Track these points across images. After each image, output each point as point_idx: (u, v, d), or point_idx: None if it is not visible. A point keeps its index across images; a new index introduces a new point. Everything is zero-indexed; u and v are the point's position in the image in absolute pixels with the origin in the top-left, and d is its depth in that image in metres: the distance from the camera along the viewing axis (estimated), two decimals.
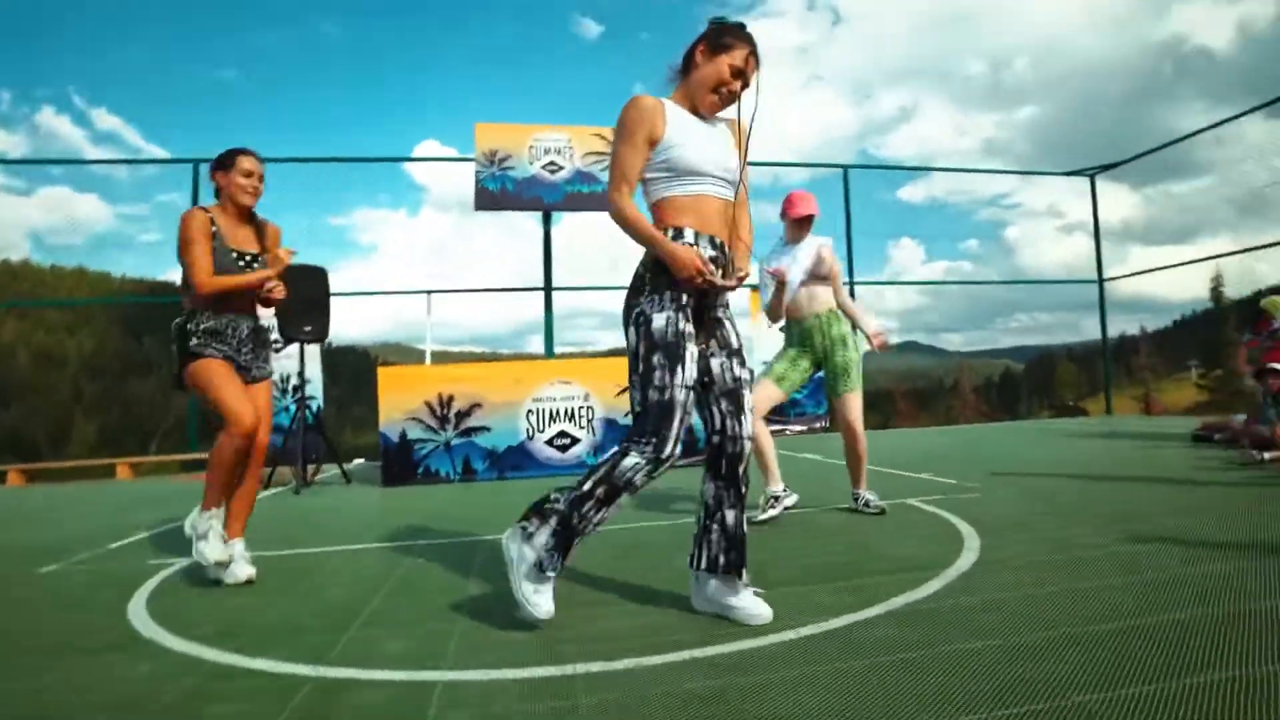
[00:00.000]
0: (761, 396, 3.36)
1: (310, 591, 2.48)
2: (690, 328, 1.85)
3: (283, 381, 9.04)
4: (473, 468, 5.82)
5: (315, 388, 8.99)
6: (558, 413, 5.92)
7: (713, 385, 1.93)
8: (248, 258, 2.69)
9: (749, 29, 1.94)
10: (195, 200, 9.33)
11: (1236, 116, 10.24)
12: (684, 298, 1.86)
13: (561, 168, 9.18)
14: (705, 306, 1.95)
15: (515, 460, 5.85)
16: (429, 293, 9.56)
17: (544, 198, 9.07)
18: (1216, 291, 29.82)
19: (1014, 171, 13.45)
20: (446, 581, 2.52)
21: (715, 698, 1.44)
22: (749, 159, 2.00)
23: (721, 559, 1.92)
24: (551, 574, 1.84)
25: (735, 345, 1.98)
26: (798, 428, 10.05)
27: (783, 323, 3.49)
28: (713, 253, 1.90)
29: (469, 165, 9.22)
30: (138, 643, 1.98)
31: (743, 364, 1.96)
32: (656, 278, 1.86)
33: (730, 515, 1.93)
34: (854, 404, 3.38)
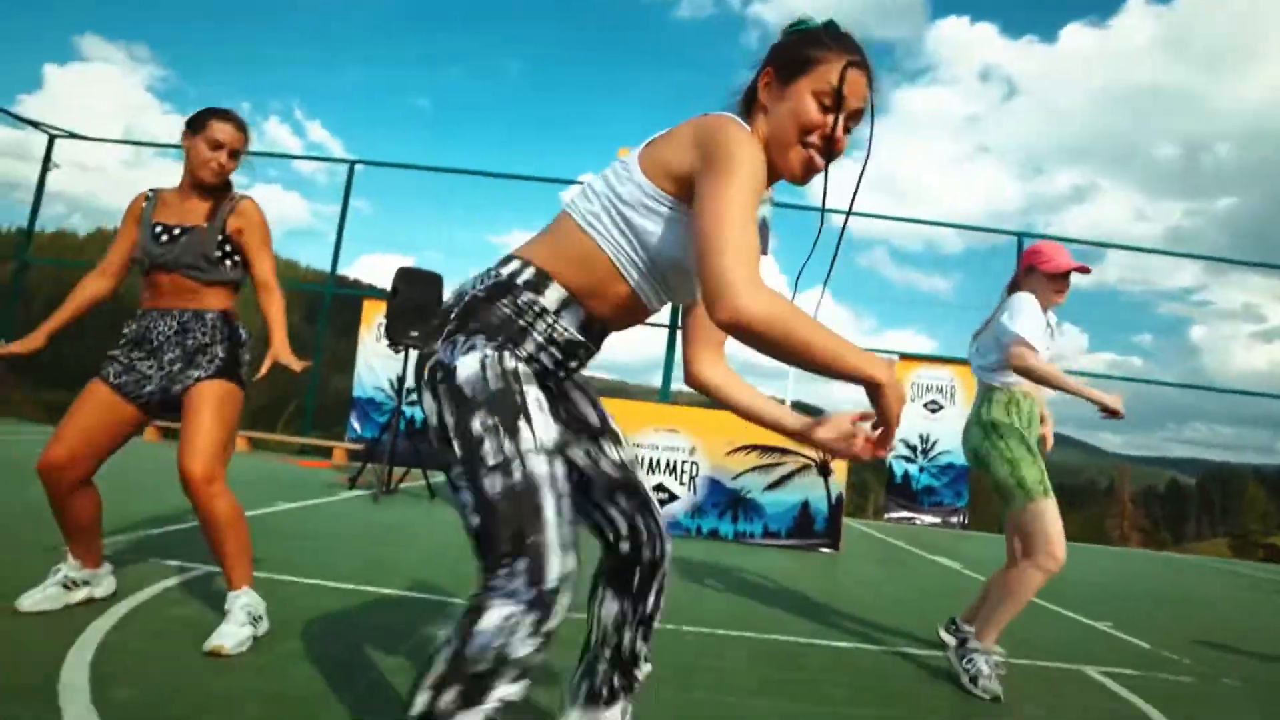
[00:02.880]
0: (1061, 528, 2.38)
1: (298, 650, 1.98)
2: (520, 366, 1.12)
3: (397, 382, 9.06)
4: None
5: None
6: (658, 463, 5.30)
7: (590, 484, 1.33)
8: (174, 231, 2.14)
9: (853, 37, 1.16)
10: (345, 201, 9.66)
11: None
12: (529, 355, 1.15)
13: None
14: (547, 383, 1.21)
15: None
16: None
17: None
18: None
19: (1242, 262, 11.38)
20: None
21: None
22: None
23: (607, 690, 1.39)
24: None
25: (597, 422, 1.34)
26: (930, 519, 8.83)
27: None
28: (578, 338, 1.18)
29: None
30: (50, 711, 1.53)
31: (618, 442, 1.35)
32: (487, 323, 1.13)
33: (628, 637, 1.37)
34: (1045, 514, 2.43)
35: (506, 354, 1.10)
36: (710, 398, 1.43)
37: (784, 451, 5.33)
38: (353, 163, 9.67)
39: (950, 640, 2.46)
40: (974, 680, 2.30)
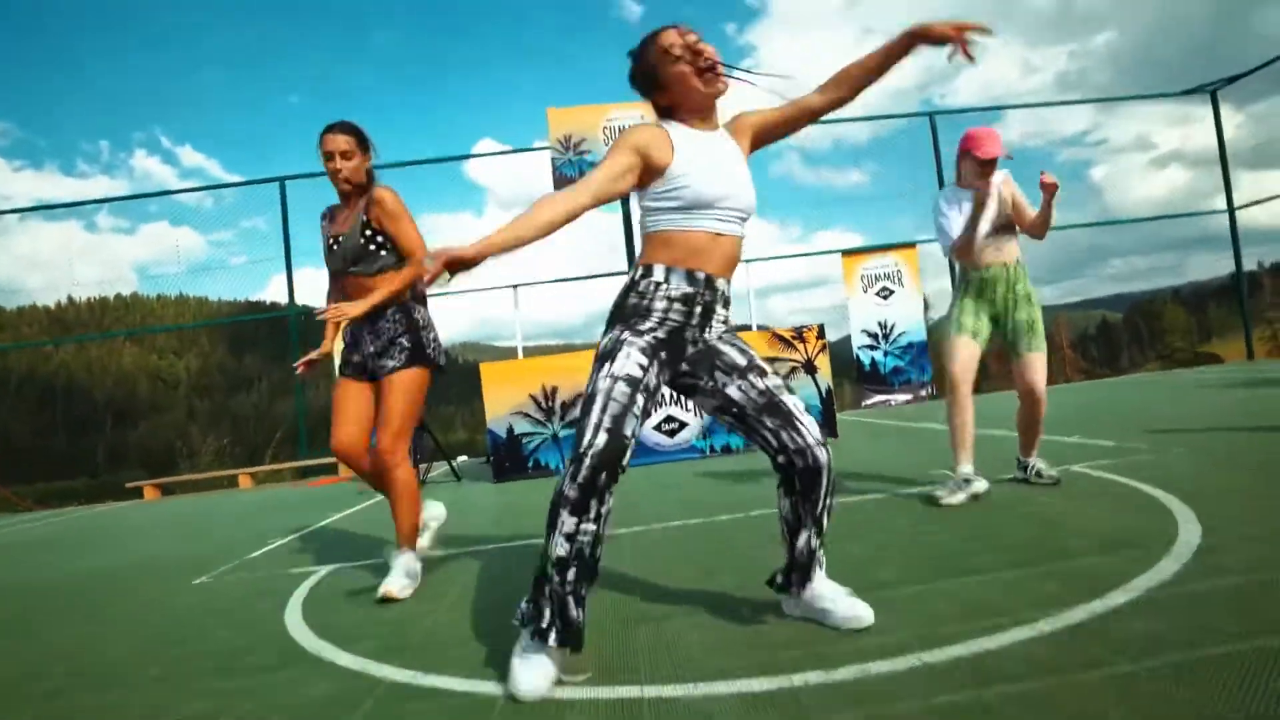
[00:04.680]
0: (965, 356, 3.02)
1: (460, 599, 2.38)
2: (632, 336, 1.63)
3: None
4: None
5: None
6: (663, 397, 5.76)
7: (745, 412, 1.69)
8: (338, 239, 2.53)
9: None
10: (285, 220, 9.63)
11: None
12: (644, 329, 1.64)
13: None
14: (685, 339, 1.69)
15: None
16: (515, 287, 9.58)
17: None
18: None
19: (1124, 98, 12.14)
20: (602, 581, 2.39)
21: (973, 709, 1.23)
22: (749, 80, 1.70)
23: (794, 578, 1.76)
24: (538, 639, 1.54)
25: (744, 362, 1.72)
26: (903, 397, 9.59)
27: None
28: (689, 289, 1.66)
29: (527, 160, 9.15)
30: (307, 660, 1.92)
31: (763, 374, 1.71)
32: (617, 315, 1.68)
33: (812, 538, 1.71)
34: (1041, 364, 3.01)
35: (626, 332, 1.63)
36: (846, 99, 1.74)
37: (771, 360, 5.84)
38: (283, 179, 9.59)
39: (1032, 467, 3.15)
40: (1040, 474, 3.09)
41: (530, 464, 5.74)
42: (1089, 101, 12.19)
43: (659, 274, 1.67)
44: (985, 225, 2.90)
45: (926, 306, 10.20)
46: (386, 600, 2.36)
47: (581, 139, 8.87)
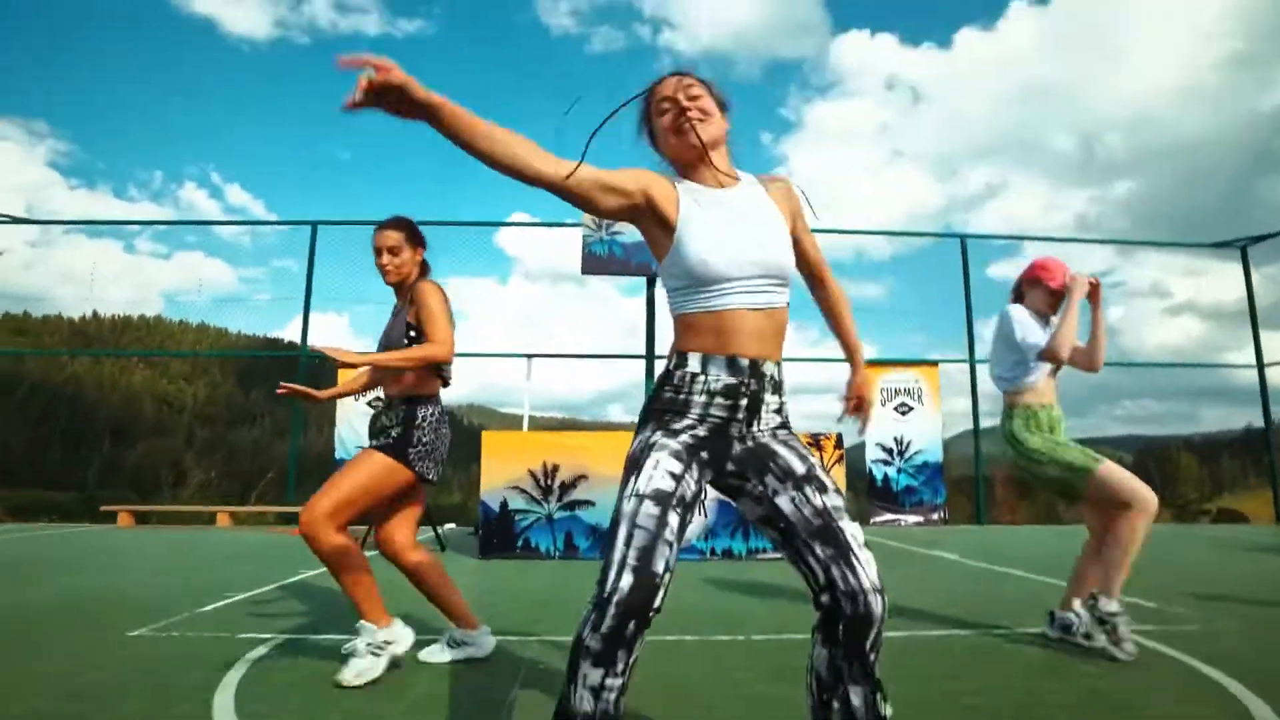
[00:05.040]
0: (1126, 477, 2.69)
1: (424, 704, 2.08)
2: (664, 439, 1.40)
3: None
4: (575, 544, 5.40)
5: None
6: None
7: (794, 531, 1.38)
8: (384, 338, 2.56)
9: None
10: (311, 261, 9.68)
11: None
12: (680, 429, 1.42)
13: None
14: (731, 436, 1.44)
15: None
16: (529, 356, 9.46)
17: (651, 263, 8.89)
18: None
19: (1156, 243, 12.30)
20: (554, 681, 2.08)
21: None
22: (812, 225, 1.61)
23: None
24: None
25: (802, 469, 1.41)
26: (913, 519, 9.19)
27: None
28: (731, 379, 1.42)
29: (558, 236, 9.22)
30: None
31: (823, 489, 1.39)
32: (651, 412, 1.46)
33: (856, 695, 1.33)
34: (1112, 475, 2.68)
35: (658, 433, 1.40)
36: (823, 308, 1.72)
37: None
38: (315, 224, 9.69)
39: (1075, 617, 2.72)
40: (1117, 643, 2.54)
41: (520, 543, 5.41)
42: (1120, 243, 12.28)
43: (694, 363, 1.43)
44: (1074, 321, 2.73)
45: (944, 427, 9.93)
46: (340, 686, 2.15)
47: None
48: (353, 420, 9.10)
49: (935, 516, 9.26)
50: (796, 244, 1.56)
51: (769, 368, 1.47)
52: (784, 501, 1.39)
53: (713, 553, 5.42)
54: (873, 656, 1.33)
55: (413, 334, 2.42)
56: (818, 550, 1.34)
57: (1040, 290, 2.89)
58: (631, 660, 1.25)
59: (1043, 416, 2.84)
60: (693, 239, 1.41)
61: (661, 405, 1.44)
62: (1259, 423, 11.24)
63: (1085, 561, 2.83)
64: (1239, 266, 11.19)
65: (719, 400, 1.43)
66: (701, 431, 1.42)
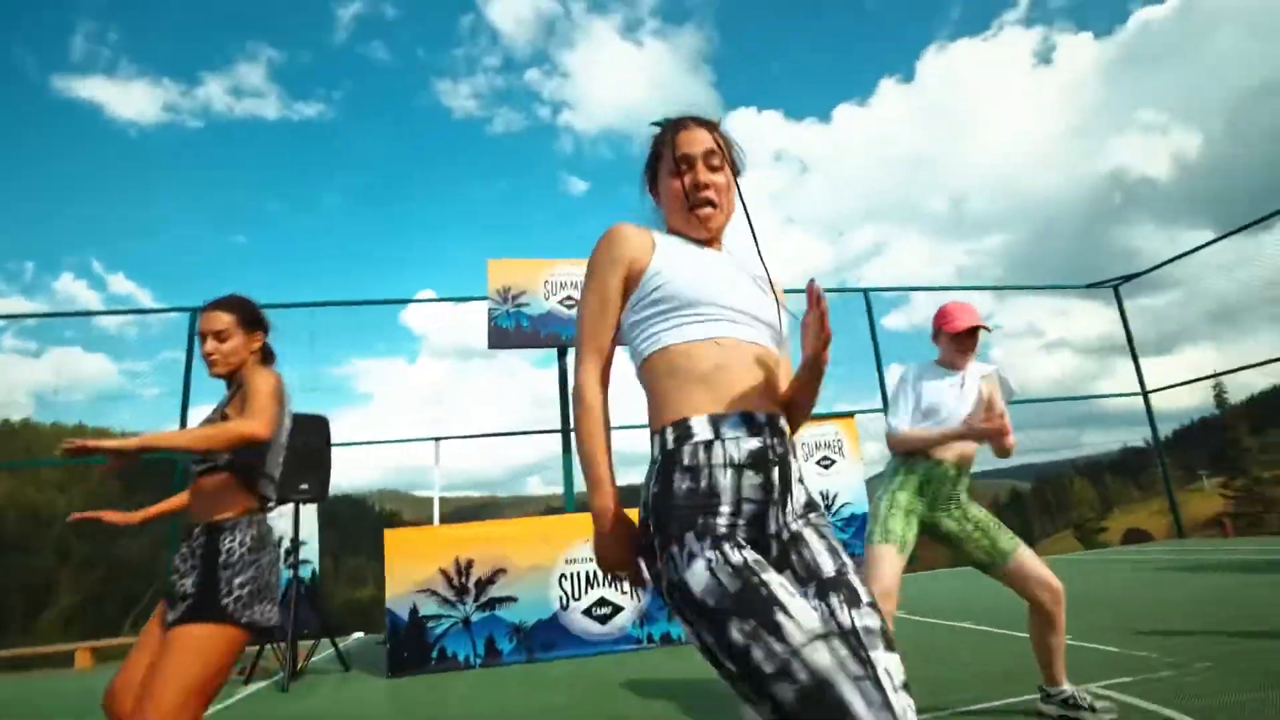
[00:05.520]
0: (891, 571, 2.49)
1: None
2: (749, 555, 1.06)
3: (290, 544, 8.21)
4: (497, 648, 4.87)
5: (311, 550, 8.13)
6: (594, 576, 5.06)
7: None
8: None
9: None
10: (190, 353, 8.86)
11: (1223, 237, 10.37)
12: (719, 523, 1.07)
13: (577, 302, 8.84)
14: (769, 533, 1.12)
15: (547, 637, 4.91)
16: (437, 440, 8.91)
17: (561, 333, 8.62)
18: (1220, 399, 29.18)
19: (1034, 287, 13.39)
20: None
21: None
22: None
23: None
24: None
25: (831, 569, 1.11)
26: None
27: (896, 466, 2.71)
28: (754, 442, 1.12)
29: (464, 312, 8.94)
30: None
31: (855, 601, 1.08)
32: (662, 515, 1.11)
33: None
34: (1035, 557, 2.54)
35: (728, 547, 1.04)
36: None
37: None
38: (194, 310, 8.91)
39: (1082, 700, 2.49)
40: (1094, 709, 2.43)
41: (435, 654, 4.83)
42: (976, 288, 12.99)
43: (700, 428, 1.11)
44: (953, 437, 2.57)
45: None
46: None
47: (521, 291, 8.65)
48: None
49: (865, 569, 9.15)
50: None
51: (784, 424, 1.19)
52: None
53: (650, 639, 5.01)
54: None
55: None
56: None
57: (943, 337, 2.74)
58: None
59: (918, 469, 2.64)
60: (674, 265, 1.23)
61: (679, 504, 1.08)
62: (1133, 443, 12.03)
63: (1038, 633, 2.60)
64: (1100, 304, 12.12)
65: (749, 476, 1.10)
66: (743, 533, 1.08)
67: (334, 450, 5.54)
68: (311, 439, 5.29)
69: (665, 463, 1.12)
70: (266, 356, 2.18)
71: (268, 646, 5.34)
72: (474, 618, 4.91)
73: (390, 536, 5.07)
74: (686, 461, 1.10)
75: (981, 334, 2.69)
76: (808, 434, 9.53)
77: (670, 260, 1.25)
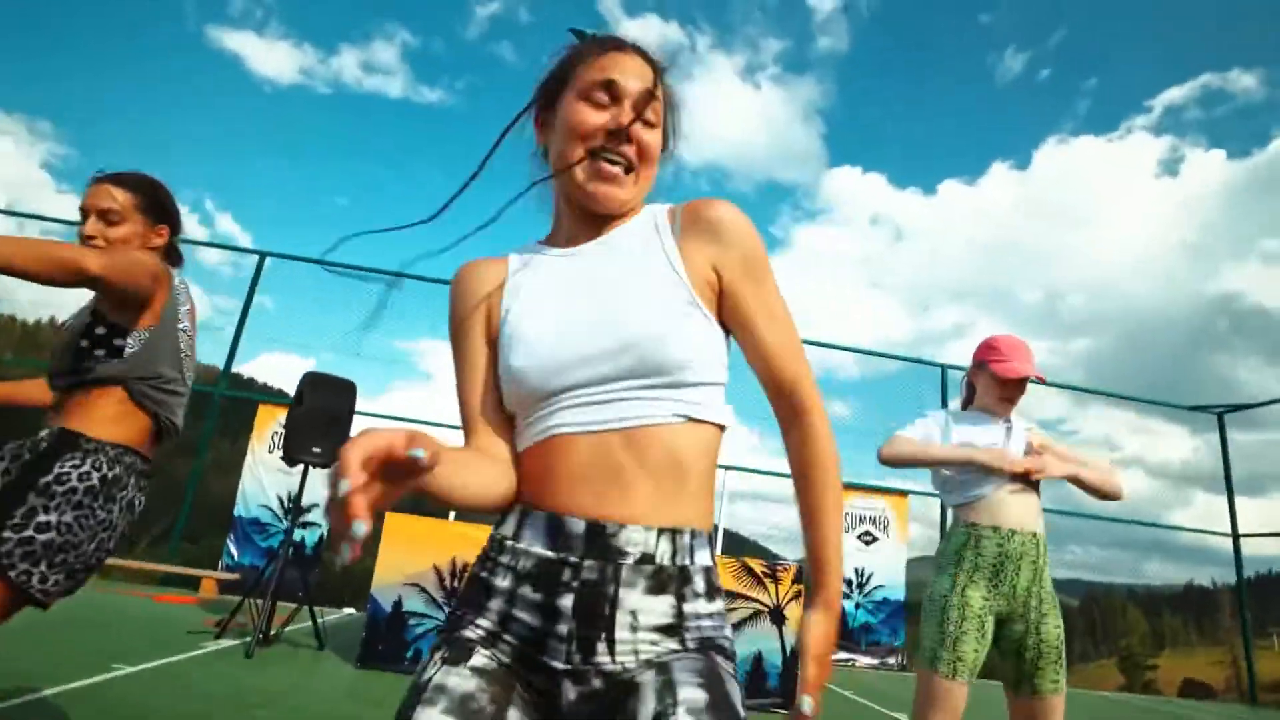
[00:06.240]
0: (953, 708, 1.96)
1: None
2: (437, 672, 0.78)
3: (287, 500, 8.07)
4: None
5: (320, 515, 7.95)
6: None
7: None
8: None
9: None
10: (251, 292, 8.91)
11: None
12: (471, 628, 0.83)
13: None
14: (549, 648, 0.80)
15: None
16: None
17: None
18: None
19: (1135, 398, 12.40)
20: None
21: None
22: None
23: None
24: None
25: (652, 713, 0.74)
26: (868, 660, 8.33)
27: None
28: (543, 552, 0.82)
29: None
30: None
31: None
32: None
33: None
34: (1059, 711, 2.02)
35: (434, 658, 0.82)
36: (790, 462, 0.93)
37: (734, 595, 4.80)
38: (262, 254, 8.98)
39: None
40: None
41: (410, 654, 4.49)
42: (1060, 386, 12.06)
43: (509, 523, 0.87)
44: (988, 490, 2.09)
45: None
46: None
47: None
48: (260, 472, 8.11)
49: (892, 661, 8.42)
50: (736, 327, 0.92)
51: (636, 537, 0.80)
52: None
53: None
54: None
55: (100, 330, 1.55)
56: None
57: (985, 374, 2.23)
58: None
59: (986, 548, 2.08)
60: (513, 339, 0.90)
61: (462, 594, 0.88)
62: (1200, 581, 10.99)
63: None
64: (1189, 431, 11.21)
65: (524, 591, 0.81)
66: (504, 653, 0.81)
67: (364, 420, 5.31)
68: (334, 401, 5.07)
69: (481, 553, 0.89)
70: (173, 257, 1.79)
71: (248, 602, 5.10)
72: None
73: (391, 520, 4.77)
74: (484, 551, 0.88)
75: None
76: (853, 505, 8.91)
77: (511, 322, 0.92)
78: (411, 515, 4.89)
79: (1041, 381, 2.24)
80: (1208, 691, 11.07)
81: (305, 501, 5.84)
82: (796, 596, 4.95)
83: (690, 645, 0.81)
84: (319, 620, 5.23)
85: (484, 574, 0.86)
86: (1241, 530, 10.39)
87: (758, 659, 4.75)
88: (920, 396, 10.32)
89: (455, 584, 4.60)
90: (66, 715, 2.68)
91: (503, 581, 0.83)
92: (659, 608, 0.80)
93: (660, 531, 0.81)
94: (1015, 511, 2.11)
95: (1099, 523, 10.67)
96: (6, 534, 1.33)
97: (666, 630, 0.80)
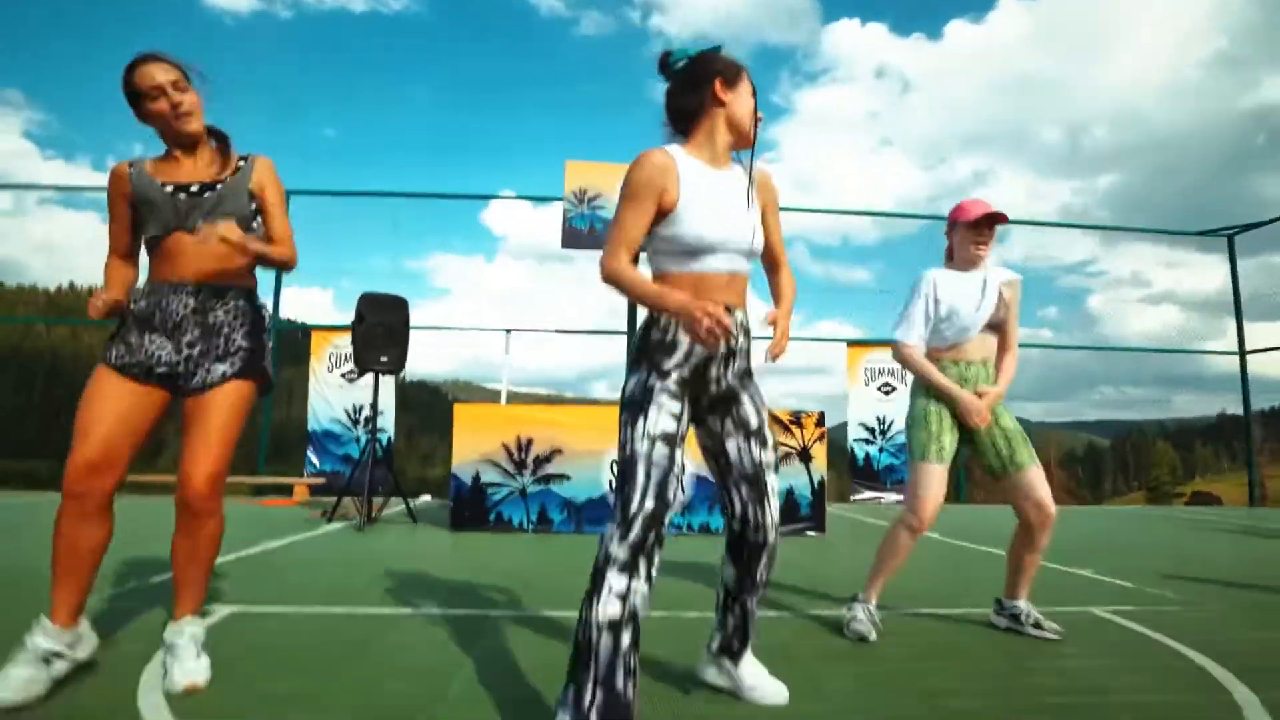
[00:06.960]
0: (939, 491, 2.53)
1: (375, 675, 1.96)
2: (661, 382, 1.62)
3: (354, 412, 8.85)
4: (549, 517, 5.29)
5: (387, 420, 8.76)
6: None
7: (730, 469, 1.74)
8: (191, 189, 1.87)
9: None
10: None
11: None
12: (670, 369, 1.64)
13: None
14: (710, 379, 1.69)
15: (596, 513, 5.29)
16: (508, 331, 9.30)
17: None
18: None
19: (1143, 229, 12.32)
20: (540, 660, 1.97)
21: None
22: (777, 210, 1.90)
23: (735, 644, 1.83)
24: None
25: (755, 424, 1.75)
26: (893, 496, 9.16)
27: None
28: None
29: (546, 214, 9.07)
30: None
31: (764, 444, 1.75)
32: (643, 353, 1.68)
33: (750, 601, 1.79)
34: (1043, 478, 2.54)
35: (653, 375, 1.62)
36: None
37: None
38: (290, 192, 9.39)
39: (1028, 615, 2.58)
40: (1039, 625, 2.53)
41: (492, 516, 5.29)
42: (1105, 228, 12.24)
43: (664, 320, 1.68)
44: (969, 335, 2.58)
45: None
46: (191, 692, 1.77)
47: (597, 193, 8.72)
48: (325, 391, 8.90)
49: None
50: (765, 231, 1.82)
51: (739, 315, 1.73)
52: (731, 445, 1.73)
53: (689, 528, 5.33)
54: (766, 574, 1.76)
55: (255, 210, 1.95)
56: (744, 491, 1.72)
57: (958, 231, 2.63)
58: (652, 570, 1.50)
59: (951, 371, 2.60)
60: (690, 212, 1.63)
61: (651, 347, 1.65)
62: (1233, 409, 11.30)
63: (1017, 548, 2.64)
64: (1218, 258, 11.19)
65: (696, 349, 1.65)
66: (687, 372, 1.64)
67: (412, 334, 5.90)
68: (390, 315, 5.66)
69: (648, 323, 1.68)
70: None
71: (345, 498, 5.92)
72: (530, 489, 5.31)
73: (460, 410, 5.47)
74: (661, 324, 1.65)
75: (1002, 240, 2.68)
76: (870, 360, 9.49)
77: (692, 204, 1.64)
78: (474, 404, 5.59)
79: (1004, 220, 2.62)
80: (1214, 500, 11.86)
81: (381, 407, 6.51)
82: (820, 439, 5.61)
83: (747, 367, 1.78)
84: (411, 502, 6.05)
85: (668, 338, 1.65)
86: (1249, 347, 10.79)
87: (790, 492, 5.49)
88: (938, 254, 10.59)
89: (522, 455, 5.33)
90: (231, 575, 3.42)
91: (684, 337, 1.63)
92: (745, 343, 1.76)
93: (744, 312, 1.76)
94: (972, 348, 2.62)
95: (1127, 363, 10.98)
96: (265, 365, 1.97)
97: (746, 354, 1.77)
